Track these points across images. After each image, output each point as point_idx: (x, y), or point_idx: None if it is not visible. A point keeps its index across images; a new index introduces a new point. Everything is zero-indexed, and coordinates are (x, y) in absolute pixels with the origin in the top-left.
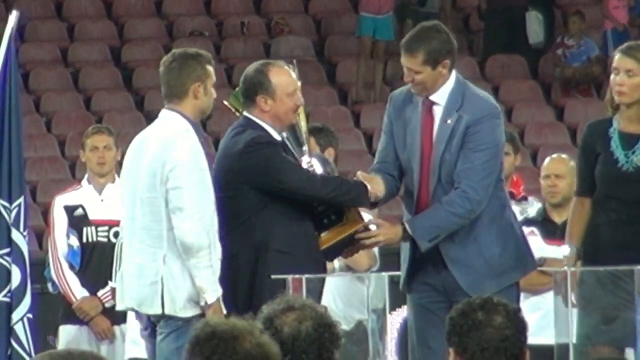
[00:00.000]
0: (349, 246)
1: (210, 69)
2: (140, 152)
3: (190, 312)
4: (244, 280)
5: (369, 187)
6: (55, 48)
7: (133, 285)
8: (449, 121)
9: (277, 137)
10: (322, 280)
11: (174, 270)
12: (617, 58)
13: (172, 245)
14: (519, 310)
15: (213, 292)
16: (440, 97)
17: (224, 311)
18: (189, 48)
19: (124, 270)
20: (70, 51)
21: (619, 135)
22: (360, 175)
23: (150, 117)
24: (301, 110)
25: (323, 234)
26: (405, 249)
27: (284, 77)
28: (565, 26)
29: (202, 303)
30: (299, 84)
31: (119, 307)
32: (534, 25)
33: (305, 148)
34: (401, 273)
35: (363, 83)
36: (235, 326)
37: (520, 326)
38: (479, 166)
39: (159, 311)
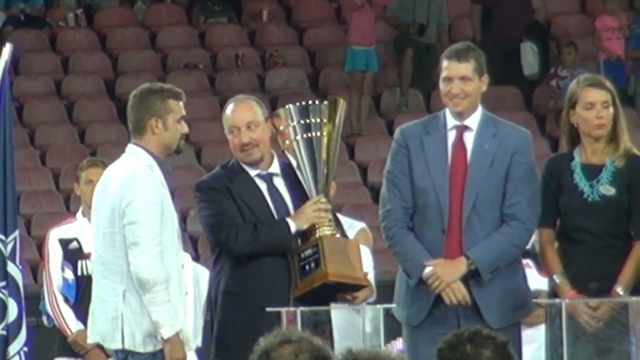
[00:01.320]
0: (329, 293)
1: (175, 104)
2: (104, 188)
3: (150, 347)
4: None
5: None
6: (49, 81)
7: (98, 320)
8: (486, 147)
9: (252, 172)
10: (328, 313)
11: (133, 306)
12: (591, 93)
13: (131, 280)
14: (507, 343)
15: (170, 327)
16: (473, 122)
17: (192, 346)
18: (157, 83)
19: (92, 304)
20: (64, 84)
21: (581, 168)
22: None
23: None
24: (328, 147)
25: (301, 281)
26: (403, 278)
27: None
28: (560, 57)
29: (159, 338)
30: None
31: (88, 341)
32: (529, 57)
33: (319, 186)
34: (399, 304)
35: (356, 116)
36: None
37: None
38: (531, 198)
39: (119, 346)
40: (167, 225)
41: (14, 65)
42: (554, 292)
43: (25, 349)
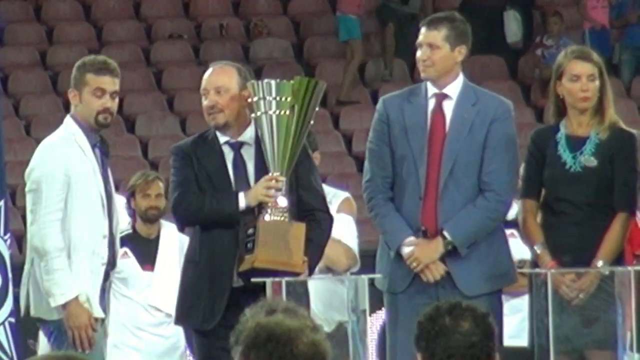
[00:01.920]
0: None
1: (92, 77)
2: None
3: (55, 315)
4: None
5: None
6: (34, 51)
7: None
8: (465, 115)
9: (222, 139)
10: (304, 284)
11: (37, 273)
12: (577, 65)
13: None
14: (487, 315)
15: (60, 295)
16: (452, 91)
17: (96, 314)
18: (90, 56)
19: None
20: (49, 54)
21: (566, 139)
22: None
23: (128, 120)
24: (292, 127)
25: (245, 257)
26: (385, 248)
27: None
28: (545, 26)
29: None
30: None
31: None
32: (512, 25)
33: (276, 164)
34: (381, 272)
35: (347, 84)
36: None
37: (488, 332)
38: (507, 166)
39: (25, 312)
40: (78, 194)
41: None
42: (535, 263)
43: (11, 319)
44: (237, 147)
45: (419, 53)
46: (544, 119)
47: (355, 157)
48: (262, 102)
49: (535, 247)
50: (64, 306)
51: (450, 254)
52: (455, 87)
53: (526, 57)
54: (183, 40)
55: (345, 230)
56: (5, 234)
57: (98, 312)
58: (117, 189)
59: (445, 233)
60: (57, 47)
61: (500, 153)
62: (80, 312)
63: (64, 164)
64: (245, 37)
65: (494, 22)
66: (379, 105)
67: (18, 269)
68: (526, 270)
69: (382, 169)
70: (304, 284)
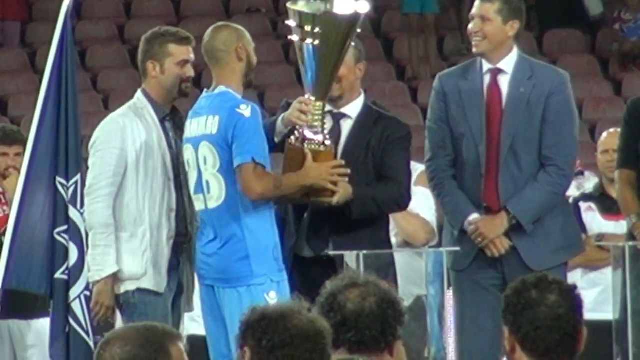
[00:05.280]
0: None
1: (175, 47)
2: None
3: (119, 289)
4: None
5: None
6: (112, 25)
7: None
8: (522, 89)
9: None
10: (390, 256)
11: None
12: None
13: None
14: (574, 288)
15: (96, 272)
16: (507, 65)
17: (154, 287)
18: (164, 27)
19: None
20: (127, 28)
21: None
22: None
23: None
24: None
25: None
26: (449, 226)
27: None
28: (623, 1)
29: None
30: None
31: None
32: None
33: (312, 88)
34: (447, 249)
35: (418, 59)
36: (282, 306)
37: (575, 304)
38: (567, 139)
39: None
40: (139, 168)
41: (77, 9)
42: (631, 234)
43: (87, 292)
44: (338, 118)
45: (470, 25)
46: (622, 92)
47: None
48: (300, 30)
49: (632, 217)
50: (93, 282)
51: (516, 229)
52: (509, 62)
53: (604, 31)
54: (261, 14)
55: (422, 204)
56: (82, 207)
57: (157, 286)
58: None
59: (509, 208)
60: (135, 21)
61: (559, 126)
62: (106, 291)
63: (121, 137)
64: None
65: None
66: (436, 82)
67: None
68: (604, 243)
69: (442, 148)
70: (387, 257)
